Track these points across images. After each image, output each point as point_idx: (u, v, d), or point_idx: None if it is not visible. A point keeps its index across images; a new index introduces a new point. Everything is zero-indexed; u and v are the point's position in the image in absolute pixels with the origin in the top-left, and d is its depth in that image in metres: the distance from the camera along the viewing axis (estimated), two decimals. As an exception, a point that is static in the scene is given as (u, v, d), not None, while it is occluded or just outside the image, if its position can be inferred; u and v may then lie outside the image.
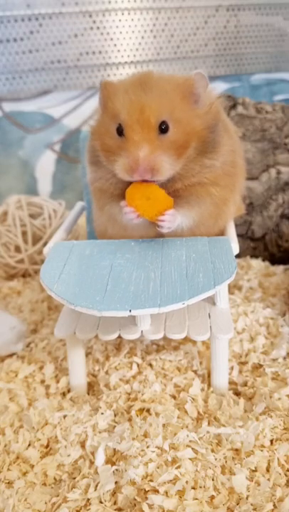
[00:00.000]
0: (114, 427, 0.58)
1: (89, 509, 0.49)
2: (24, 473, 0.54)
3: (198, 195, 0.62)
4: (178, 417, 0.58)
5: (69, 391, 0.66)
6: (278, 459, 0.52)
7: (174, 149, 0.58)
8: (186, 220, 0.64)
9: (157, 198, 0.59)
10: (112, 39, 1.41)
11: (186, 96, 0.60)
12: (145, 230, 0.64)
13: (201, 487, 0.49)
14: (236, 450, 0.54)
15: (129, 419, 0.59)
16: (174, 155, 0.58)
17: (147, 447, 0.53)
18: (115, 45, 1.42)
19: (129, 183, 0.60)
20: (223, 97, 0.91)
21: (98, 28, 1.38)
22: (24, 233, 1.01)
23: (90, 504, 0.49)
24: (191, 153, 0.60)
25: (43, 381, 0.69)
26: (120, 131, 0.58)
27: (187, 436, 0.54)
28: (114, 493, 0.50)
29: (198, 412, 0.60)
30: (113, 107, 0.60)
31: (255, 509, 0.47)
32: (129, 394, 0.64)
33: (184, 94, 0.60)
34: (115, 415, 0.60)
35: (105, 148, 0.61)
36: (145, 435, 0.55)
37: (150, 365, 0.68)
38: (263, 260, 0.98)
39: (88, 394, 0.66)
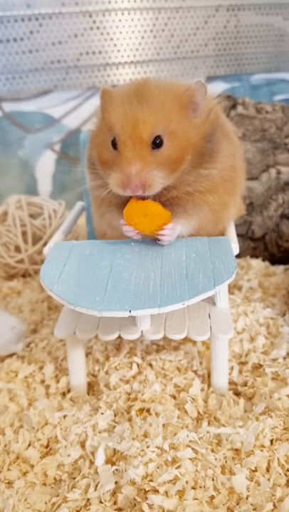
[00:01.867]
0: (114, 427, 0.58)
1: (89, 509, 0.49)
2: (24, 473, 0.54)
3: (195, 204, 0.62)
4: (178, 417, 0.58)
5: (69, 391, 0.66)
6: (278, 459, 0.52)
7: (168, 164, 0.57)
8: (186, 229, 0.64)
9: (154, 213, 0.60)
10: (112, 39, 1.41)
11: (185, 106, 0.59)
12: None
13: (201, 487, 0.49)
14: (236, 450, 0.54)
15: (129, 419, 0.59)
16: (167, 169, 0.57)
17: (147, 447, 0.53)
18: (115, 45, 1.41)
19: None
20: (223, 97, 0.91)
21: (98, 28, 1.38)
22: (24, 233, 1.01)
23: (90, 504, 0.49)
24: (185, 166, 0.59)
25: (43, 381, 0.69)
26: (115, 145, 0.58)
27: (187, 436, 0.54)
28: (114, 493, 0.50)
29: (198, 412, 0.60)
30: (109, 119, 0.59)
31: (255, 509, 0.47)
32: (129, 394, 0.64)
33: (182, 105, 0.59)
34: (115, 415, 0.60)
35: (101, 160, 0.61)
36: (145, 435, 0.55)
37: (150, 365, 0.68)
38: (263, 260, 0.98)
39: (88, 394, 0.66)
